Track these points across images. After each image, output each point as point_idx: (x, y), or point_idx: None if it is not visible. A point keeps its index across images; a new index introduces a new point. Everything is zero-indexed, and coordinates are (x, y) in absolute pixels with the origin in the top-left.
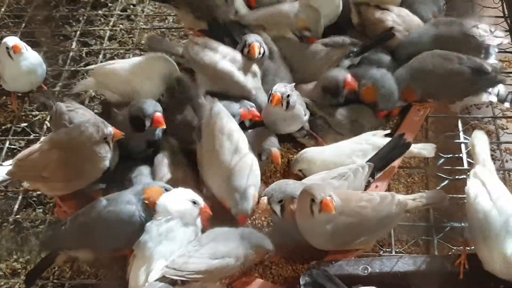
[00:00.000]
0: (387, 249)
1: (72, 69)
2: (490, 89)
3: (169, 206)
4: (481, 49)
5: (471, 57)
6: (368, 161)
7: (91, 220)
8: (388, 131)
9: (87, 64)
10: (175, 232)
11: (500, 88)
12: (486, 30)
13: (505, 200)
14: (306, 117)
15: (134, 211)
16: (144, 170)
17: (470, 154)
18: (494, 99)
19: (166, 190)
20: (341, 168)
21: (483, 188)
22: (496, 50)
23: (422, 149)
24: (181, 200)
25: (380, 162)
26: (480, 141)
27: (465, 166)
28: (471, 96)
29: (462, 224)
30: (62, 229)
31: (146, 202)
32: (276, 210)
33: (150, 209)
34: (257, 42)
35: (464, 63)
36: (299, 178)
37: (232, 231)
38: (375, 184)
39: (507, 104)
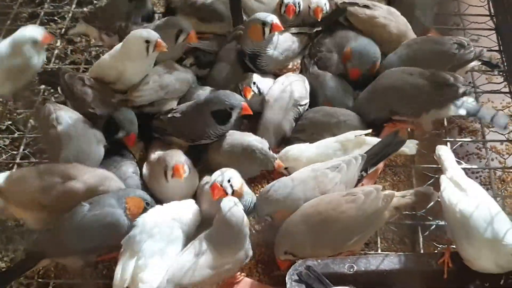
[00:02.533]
0: (373, 248)
1: (57, 67)
2: (459, 103)
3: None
4: (454, 64)
5: (435, 71)
6: (364, 153)
7: (76, 226)
8: (369, 131)
9: (72, 62)
10: (167, 228)
11: (470, 101)
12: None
13: (481, 197)
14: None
15: (120, 213)
16: (129, 167)
17: (456, 153)
18: (463, 112)
19: (147, 203)
20: (334, 159)
21: (457, 189)
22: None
23: (405, 146)
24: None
25: (374, 156)
26: (444, 152)
27: None
28: (436, 110)
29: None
30: (47, 237)
31: (127, 210)
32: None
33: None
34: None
35: (425, 76)
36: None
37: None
38: (361, 183)
39: (484, 118)
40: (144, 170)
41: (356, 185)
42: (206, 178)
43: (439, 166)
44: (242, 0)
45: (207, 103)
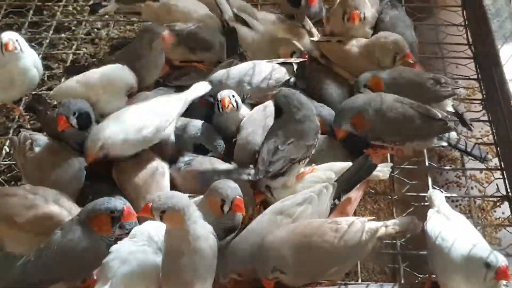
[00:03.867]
0: (353, 277)
1: (34, 93)
2: (442, 136)
3: (152, 233)
4: (429, 97)
5: (421, 104)
6: (334, 181)
7: (54, 253)
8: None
9: (49, 88)
10: (145, 256)
11: (452, 134)
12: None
13: (464, 229)
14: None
15: (91, 237)
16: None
17: (435, 181)
18: (444, 144)
19: (113, 218)
20: (305, 191)
21: (442, 219)
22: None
23: (378, 171)
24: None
25: (345, 184)
26: (436, 195)
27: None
28: (420, 141)
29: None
30: (28, 267)
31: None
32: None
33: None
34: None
35: (415, 107)
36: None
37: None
38: (340, 210)
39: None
40: None
41: (330, 213)
42: (180, 159)
43: (419, 194)
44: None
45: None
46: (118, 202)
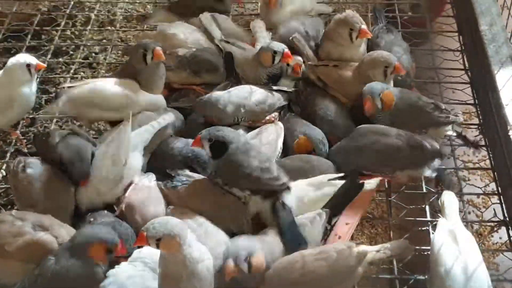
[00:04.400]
0: None
1: (31, 116)
2: (433, 165)
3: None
4: (428, 121)
5: (409, 133)
6: (323, 206)
7: (49, 280)
8: (342, 174)
9: (46, 112)
10: (144, 282)
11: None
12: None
13: (470, 255)
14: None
15: (86, 263)
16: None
17: (432, 205)
18: (433, 174)
19: (108, 249)
20: (298, 218)
21: (450, 242)
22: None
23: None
24: None
25: (335, 207)
26: (449, 200)
27: (428, 217)
28: (411, 170)
29: (426, 276)
30: None
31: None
32: (244, 268)
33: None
34: None
35: (401, 138)
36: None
37: None
38: (337, 235)
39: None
40: None
41: (328, 237)
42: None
43: (417, 219)
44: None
45: None
46: (112, 235)
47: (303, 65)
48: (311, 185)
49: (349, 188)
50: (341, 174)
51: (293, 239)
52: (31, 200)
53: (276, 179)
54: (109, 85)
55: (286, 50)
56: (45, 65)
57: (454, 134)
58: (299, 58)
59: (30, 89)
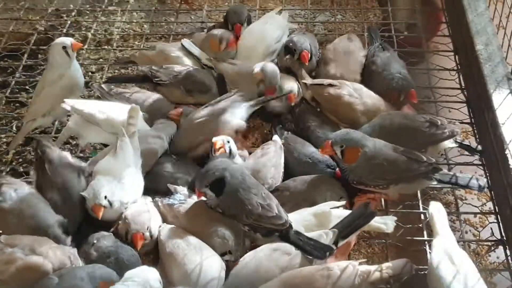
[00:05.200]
0: None
1: (26, 136)
2: (429, 176)
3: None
4: (425, 141)
5: (407, 149)
6: (332, 227)
7: None
8: (344, 203)
9: (42, 132)
10: None
11: (441, 172)
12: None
13: (468, 274)
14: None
15: None
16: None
17: (429, 224)
18: (434, 182)
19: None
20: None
21: (447, 260)
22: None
23: (382, 223)
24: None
25: (344, 230)
26: (437, 212)
27: (425, 236)
28: (406, 183)
29: None
30: None
31: None
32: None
33: None
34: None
35: (398, 151)
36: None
37: None
38: (335, 255)
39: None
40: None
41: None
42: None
43: (414, 238)
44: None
45: None
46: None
47: (296, 94)
48: (314, 216)
49: (361, 215)
50: (343, 203)
51: (318, 251)
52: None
53: (277, 217)
54: (112, 108)
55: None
56: (81, 44)
57: (455, 145)
58: (294, 87)
59: (71, 69)
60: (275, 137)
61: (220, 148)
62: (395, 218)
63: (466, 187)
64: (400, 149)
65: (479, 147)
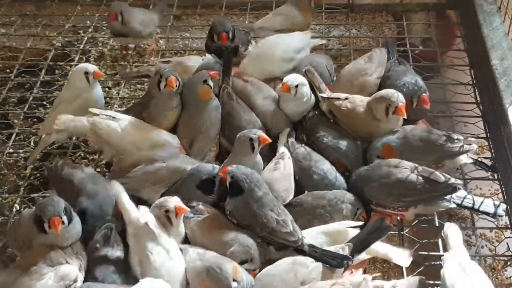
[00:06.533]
0: None
1: (44, 151)
2: (448, 198)
3: None
4: (441, 155)
5: (425, 167)
6: (347, 242)
7: None
8: (361, 223)
9: (59, 147)
10: None
11: (460, 194)
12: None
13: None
14: None
15: None
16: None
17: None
18: (453, 205)
19: None
20: None
21: (461, 275)
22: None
23: (399, 257)
24: None
25: (359, 244)
26: (451, 230)
27: (441, 251)
28: (425, 206)
29: None
30: None
31: None
32: None
33: None
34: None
35: (417, 172)
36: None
37: None
38: (350, 269)
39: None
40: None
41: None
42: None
43: (430, 253)
44: None
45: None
46: None
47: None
48: (326, 234)
49: (376, 230)
50: (361, 223)
51: (335, 260)
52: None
53: (291, 234)
54: (126, 128)
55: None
56: (102, 74)
57: (470, 161)
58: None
59: (89, 95)
60: (283, 149)
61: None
62: (411, 253)
63: (486, 214)
64: (419, 168)
65: (492, 164)
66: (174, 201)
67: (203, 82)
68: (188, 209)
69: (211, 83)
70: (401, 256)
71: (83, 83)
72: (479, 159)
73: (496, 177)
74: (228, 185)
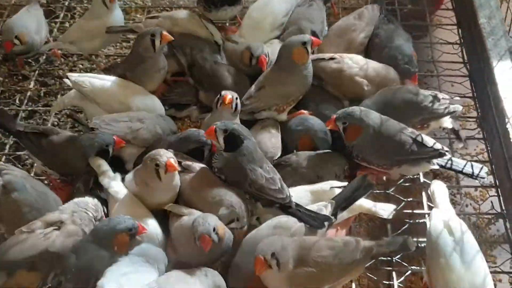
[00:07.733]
0: None
1: (30, 109)
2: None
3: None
4: (425, 116)
5: (414, 130)
6: (331, 199)
7: (74, 277)
8: (345, 184)
9: (45, 105)
10: (139, 273)
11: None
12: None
13: (468, 245)
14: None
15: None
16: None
17: (430, 198)
18: (436, 167)
19: (131, 236)
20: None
21: (446, 232)
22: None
23: (382, 209)
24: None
25: (343, 201)
26: (438, 188)
27: (425, 210)
28: (409, 166)
29: (423, 268)
30: None
31: None
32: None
33: None
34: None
35: (406, 133)
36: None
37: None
38: (336, 227)
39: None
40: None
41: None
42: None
43: (414, 211)
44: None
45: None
46: (129, 220)
47: (268, 59)
48: (312, 193)
49: (360, 187)
50: (345, 183)
51: (316, 221)
52: (21, 223)
53: (279, 191)
54: (110, 86)
55: (264, 55)
56: None
57: (450, 126)
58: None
59: (108, 20)
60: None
61: (229, 103)
62: (395, 207)
63: (467, 175)
64: (408, 130)
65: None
66: (166, 156)
67: (301, 44)
68: (178, 167)
69: (309, 48)
70: (384, 209)
71: (101, 8)
72: (456, 129)
73: (482, 135)
74: (223, 141)
